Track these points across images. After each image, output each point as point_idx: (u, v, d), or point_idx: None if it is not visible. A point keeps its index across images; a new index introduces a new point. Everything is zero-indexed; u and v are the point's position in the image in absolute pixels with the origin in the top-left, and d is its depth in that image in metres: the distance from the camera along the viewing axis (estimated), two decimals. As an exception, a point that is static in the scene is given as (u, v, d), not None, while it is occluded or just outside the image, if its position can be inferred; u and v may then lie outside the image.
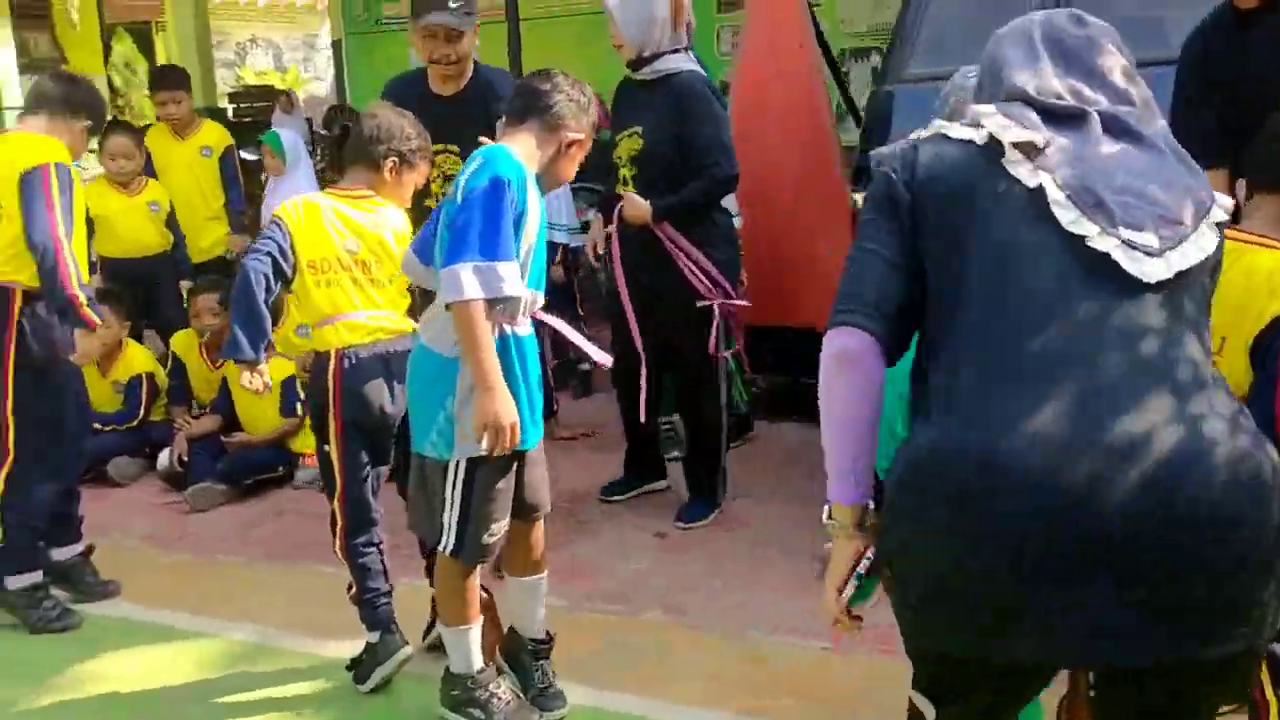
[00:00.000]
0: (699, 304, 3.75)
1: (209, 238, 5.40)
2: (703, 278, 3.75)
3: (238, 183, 5.50)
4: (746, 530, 3.86)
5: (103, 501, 4.32)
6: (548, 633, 2.82)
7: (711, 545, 3.75)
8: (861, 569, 1.62)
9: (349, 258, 2.80)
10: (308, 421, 4.51)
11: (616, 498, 4.18)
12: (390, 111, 2.92)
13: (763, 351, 4.90)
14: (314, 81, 16.67)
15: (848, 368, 1.57)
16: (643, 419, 3.91)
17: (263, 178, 5.85)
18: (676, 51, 3.75)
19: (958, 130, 1.60)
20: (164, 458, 4.63)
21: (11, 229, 3.19)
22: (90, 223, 5.00)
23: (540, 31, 6.39)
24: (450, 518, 2.53)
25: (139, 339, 5.09)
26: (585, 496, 4.17)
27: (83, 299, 3.17)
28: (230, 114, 10.15)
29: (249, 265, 2.71)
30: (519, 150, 2.52)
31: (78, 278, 3.16)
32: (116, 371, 4.79)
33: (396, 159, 2.85)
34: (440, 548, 2.59)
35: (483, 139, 2.59)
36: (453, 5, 3.32)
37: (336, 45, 9.35)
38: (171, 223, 5.18)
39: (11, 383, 3.20)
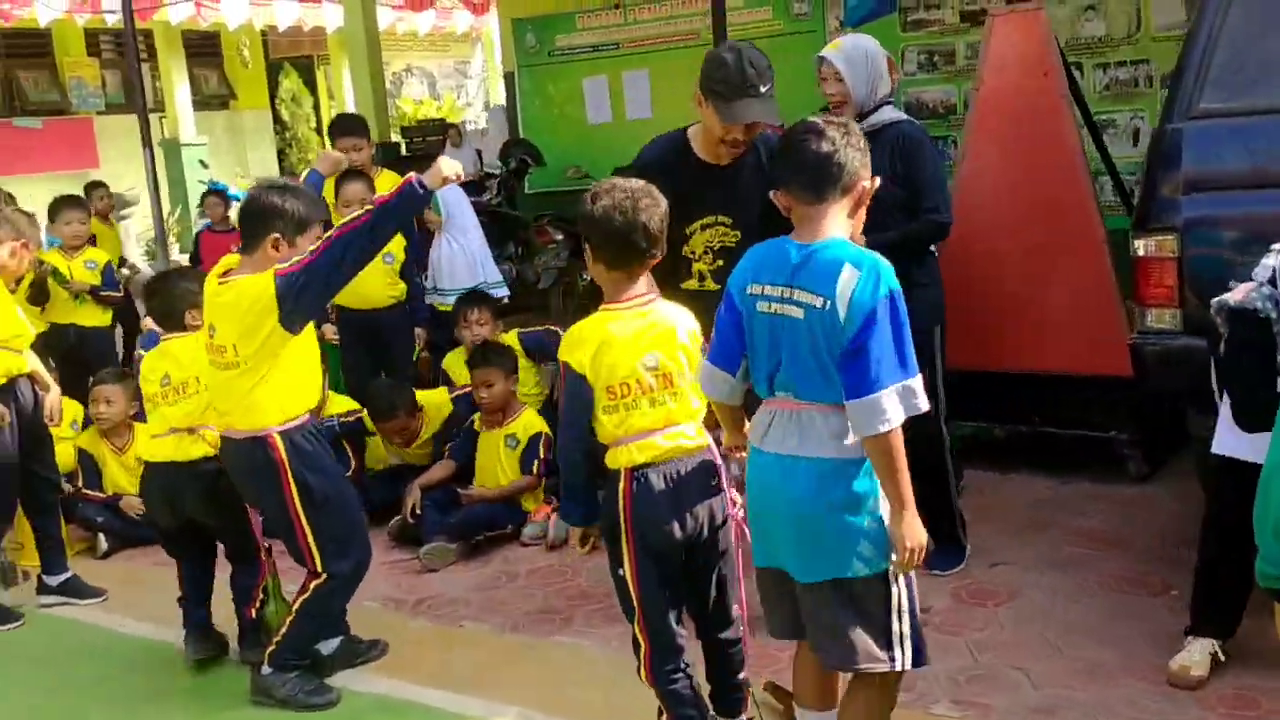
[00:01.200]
0: None
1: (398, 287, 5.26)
2: None
3: (413, 229, 5.40)
4: (1013, 606, 3.57)
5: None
6: None
7: (980, 624, 3.47)
8: None
9: (648, 376, 2.55)
10: (542, 481, 4.52)
11: None
12: (643, 197, 2.60)
13: (970, 397, 4.59)
14: (466, 109, 16.92)
15: None
16: None
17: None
18: (888, 104, 3.76)
19: None
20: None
21: (250, 379, 3.17)
22: None
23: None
24: (905, 627, 2.34)
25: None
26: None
27: None
28: (403, 148, 10.31)
29: (567, 450, 2.66)
30: (844, 232, 2.31)
31: None
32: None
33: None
34: (898, 667, 2.36)
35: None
36: (764, 90, 3.12)
37: (509, 78, 9.37)
38: (406, 272, 5.15)
39: (304, 516, 3.25)
